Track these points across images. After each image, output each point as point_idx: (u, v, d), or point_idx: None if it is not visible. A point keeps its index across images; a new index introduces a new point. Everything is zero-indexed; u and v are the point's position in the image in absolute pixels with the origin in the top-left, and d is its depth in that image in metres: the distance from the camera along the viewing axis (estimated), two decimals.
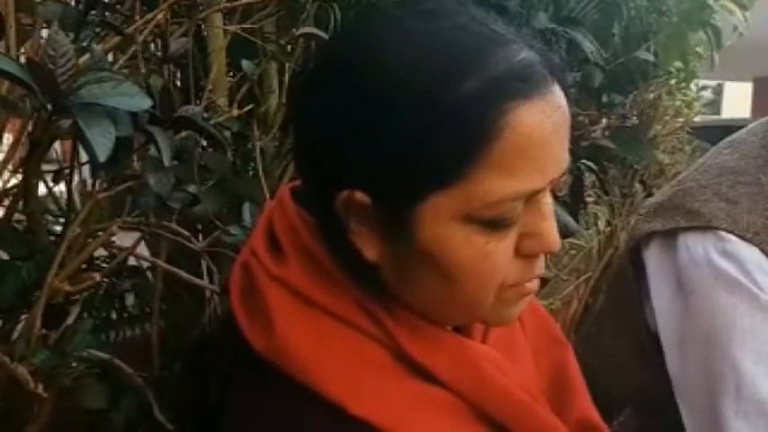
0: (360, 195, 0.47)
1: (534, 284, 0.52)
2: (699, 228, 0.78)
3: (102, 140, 0.48)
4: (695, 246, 0.78)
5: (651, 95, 2.36)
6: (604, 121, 2.11)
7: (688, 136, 2.89)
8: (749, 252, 0.75)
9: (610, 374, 0.91)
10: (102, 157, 0.48)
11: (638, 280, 0.85)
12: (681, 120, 2.76)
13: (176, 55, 0.72)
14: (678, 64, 2.55)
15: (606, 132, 2.19)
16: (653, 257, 0.83)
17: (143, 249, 0.95)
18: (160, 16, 0.76)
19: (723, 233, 0.76)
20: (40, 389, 0.56)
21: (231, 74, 1.10)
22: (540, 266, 0.51)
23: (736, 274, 0.75)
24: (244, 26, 0.98)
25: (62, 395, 0.76)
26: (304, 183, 0.53)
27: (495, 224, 0.46)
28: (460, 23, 0.47)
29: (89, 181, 0.73)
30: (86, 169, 0.90)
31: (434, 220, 0.46)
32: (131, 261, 1.02)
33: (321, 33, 0.87)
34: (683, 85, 2.54)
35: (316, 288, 0.50)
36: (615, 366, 0.92)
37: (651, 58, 2.29)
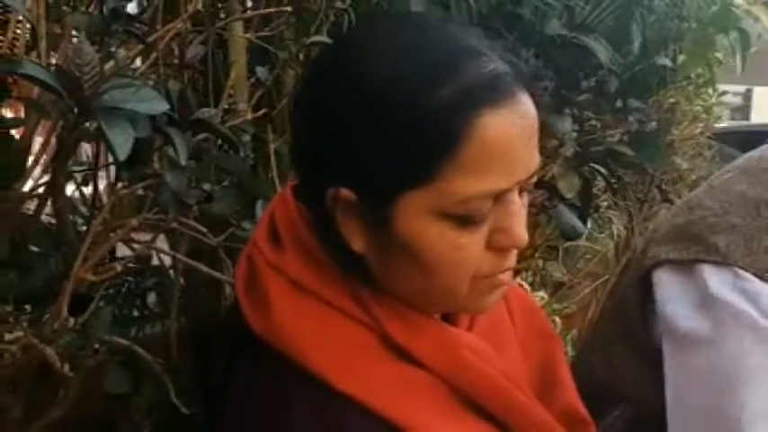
0: (345, 192, 0.52)
1: (507, 276, 0.56)
2: (716, 263, 0.77)
3: (122, 141, 0.53)
4: (711, 278, 0.77)
5: (670, 101, 2.36)
6: (621, 126, 2.12)
7: (709, 141, 2.87)
8: (766, 290, 0.74)
9: (608, 375, 0.93)
10: (122, 156, 0.53)
11: (643, 299, 0.85)
12: (701, 125, 2.74)
13: (193, 61, 0.77)
14: (698, 69, 2.54)
15: (625, 138, 2.20)
16: (667, 284, 0.81)
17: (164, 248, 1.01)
18: (180, 25, 0.81)
19: (740, 270, 0.76)
20: (66, 369, 0.61)
21: (248, 78, 1.16)
22: (511, 260, 0.55)
23: (756, 314, 0.74)
24: (261, 34, 1.04)
25: (87, 380, 0.82)
26: (300, 180, 0.58)
27: (466, 219, 0.51)
28: (436, 37, 0.51)
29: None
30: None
31: (411, 215, 0.51)
32: (153, 261, 1.08)
33: (329, 42, 0.91)
34: (702, 90, 2.54)
35: (309, 276, 0.55)
36: (612, 369, 0.94)
37: (669, 63, 2.29)
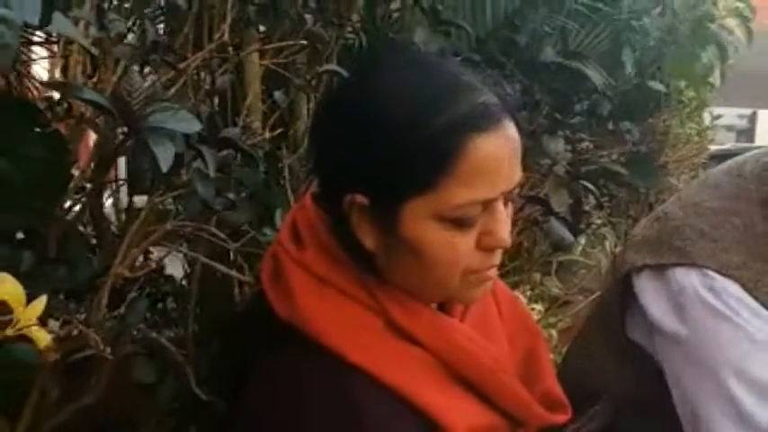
0: (360, 198, 0.62)
1: (493, 272, 0.66)
2: (688, 265, 0.86)
3: (165, 155, 0.63)
4: (683, 279, 0.86)
5: (663, 124, 2.46)
6: (615, 147, 2.22)
7: (704, 162, 2.97)
8: (732, 287, 0.83)
9: (589, 374, 1.01)
10: (165, 167, 0.63)
11: (623, 301, 0.94)
12: (696, 147, 2.84)
13: (222, 87, 0.87)
14: (691, 93, 2.64)
15: (622, 158, 2.30)
16: (645, 287, 0.90)
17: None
18: (206, 54, 0.92)
19: (707, 270, 0.85)
20: (107, 351, 0.71)
21: (264, 101, 1.26)
22: (496, 258, 0.65)
23: (723, 308, 0.83)
24: (276, 61, 1.15)
25: (114, 372, 0.91)
26: (320, 188, 0.68)
27: (459, 222, 0.61)
28: (437, 73, 0.63)
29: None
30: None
31: (414, 218, 0.61)
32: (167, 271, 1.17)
33: (340, 70, 1.02)
34: (696, 113, 2.64)
35: (327, 269, 0.65)
36: (595, 368, 1.02)
37: (663, 88, 2.39)
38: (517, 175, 0.63)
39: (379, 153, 0.60)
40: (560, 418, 0.73)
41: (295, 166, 1.21)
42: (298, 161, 1.23)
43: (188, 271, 1.17)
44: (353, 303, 0.65)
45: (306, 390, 0.61)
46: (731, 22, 2.53)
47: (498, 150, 0.60)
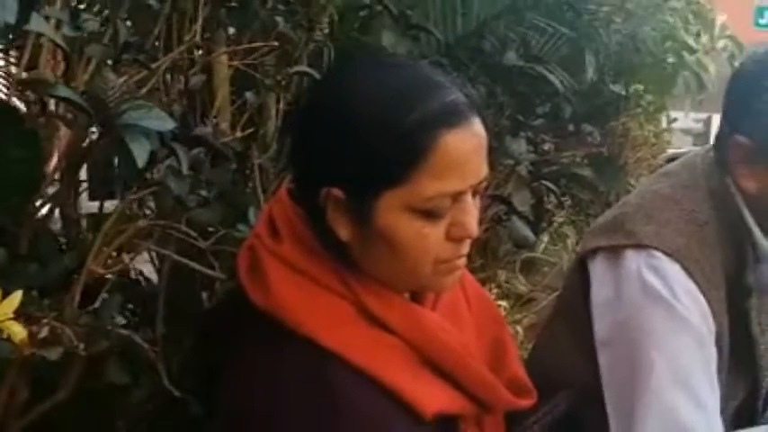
0: (336, 191, 0.65)
1: (462, 262, 0.69)
2: (634, 246, 0.93)
3: (141, 152, 0.65)
4: (631, 261, 0.92)
5: (622, 126, 2.54)
6: (577, 149, 2.29)
7: (662, 164, 3.06)
8: (672, 268, 0.90)
9: (555, 364, 1.05)
10: (141, 164, 0.64)
11: (583, 287, 1.00)
12: (654, 149, 2.94)
13: (195, 87, 0.89)
14: (649, 97, 2.74)
15: (584, 160, 2.37)
16: (597, 269, 0.97)
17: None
18: (177, 55, 0.94)
19: (653, 251, 0.91)
20: (81, 347, 0.72)
21: (234, 102, 1.28)
22: (465, 248, 0.68)
23: (660, 286, 0.89)
24: (246, 62, 1.16)
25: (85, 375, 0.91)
26: (297, 183, 0.71)
27: (430, 214, 0.64)
28: (408, 73, 0.67)
29: None
30: None
31: (387, 210, 0.64)
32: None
33: (311, 71, 1.04)
34: (654, 117, 2.74)
35: (302, 260, 0.68)
36: (560, 358, 1.06)
37: (622, 91, 2.48)
38: (484, 169, 0.66)
39: (355, 149, 0.63)
40: (526, 402, 0.77)
41: (265, 165, 1.23)
42: (268, 161, 1.25)
43: (157, 270, 1.17)
44: (328, 292, 0.67)
45: (283, 376, 0.63)
46: (707, 60, 2.67)
47: (467, 145, 0.64)
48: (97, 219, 0.91)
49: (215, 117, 1.15)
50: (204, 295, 1.16)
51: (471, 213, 0.66)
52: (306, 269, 0.67)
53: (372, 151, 0.62)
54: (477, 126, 0.65)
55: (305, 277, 0.67)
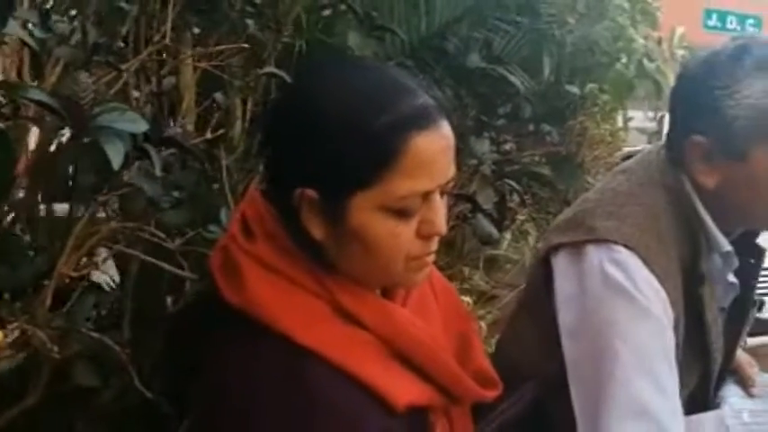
0: (309, 192, 0.67)
1: (431, 258, 0.72)
2: (595, 241, 0.97)
3: (116, 154, 0.65)
4: (593, 256, 0.96)
5: (579, 126, 2.62)
6: (537, 148, 2.35)
7: (618, 162, 3.17)
8: (632, 260, 0.94)
9: (520, 357, 1.09)
10: (117, 165, 0.65)
11: (546, 282, 1.04)
12: (610, 147, 3.03)
13: (166, 89, 0.89)
14: (605, 97, 2.83)
15: (543, 159, 2.43)
16: (560, 264, 1.01)
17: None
18: (145, 57, 0.94)
19: (613, 245, 0.95)
20: (55, 349, 0.72)
21: (200, 103, 1.28)
22: (434, 245, 0.71)
23: (621, 278, 0.93)
24: (213, 63, 1.16)
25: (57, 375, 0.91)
26: (270, 184, 0.72)
27: (402, 213, 0.67)
28: (379, 76, 0.69)
29: None
30: None
31: (361, 209, 0.66)
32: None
33: (280, 73, 1.05)
34: (610, 116, 2.83)
35: (277, 260, 0.69)
36: (525, 351, 1.10)
37: (578, 92, 2.55)
38: (452, 169, 0.69)
39: (328, 151, 0.65)
40: (492, 393, 0.80)
41: (232, 166, 1.23)
42: (235, 162, 1.25)
43: (120, 273, 1.17)
44: (303, 291, 0.69)
45: (259, 372, 0.65)
46: (667, 67, 2.79)
47: (436, 147, 0.66)
48: (66, 222, 0.91)
49: (183, 118, 1.15)
50: (171, 299, 1.17)
51: (440, 212, 0.69)
52: (280, 268, 0.69)
53: (346, 153, 0.65)
54: (445, 128, 0.68)
55: (279, 276, 0.69)
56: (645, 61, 2.76)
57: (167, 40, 0.92)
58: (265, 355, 0.66)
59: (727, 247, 0.98)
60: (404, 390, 0.69)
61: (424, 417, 0.74)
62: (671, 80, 3.01)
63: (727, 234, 0.99)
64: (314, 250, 0.70)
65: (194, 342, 0.74)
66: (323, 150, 0.65)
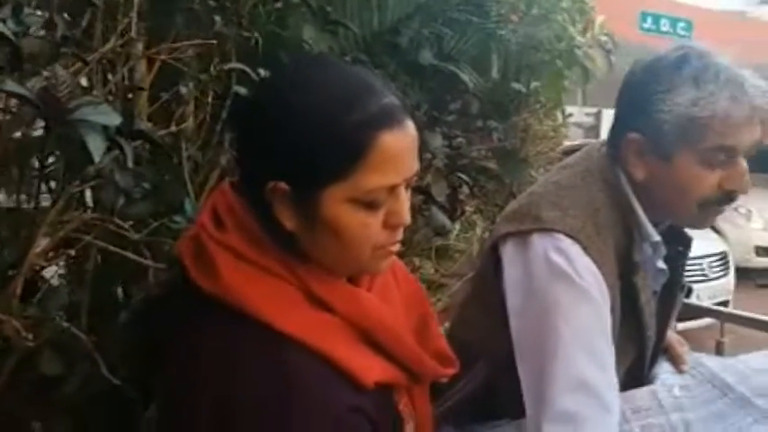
0: (282, 185, 0.71)
1: (396, 246, 0.77)
2: (540, 230, 1.05)
3: (97, 146, 0.67)
4: (538, 244, 1.04)
5: (523, 122, 2.72)
6: (485, 143, 2.43)
7: (559, 156, 3.30)
8: (573, 248, 1.02)
9: (472, 340, 1.16)
10: (98, 157, 0.67)
11: (495, 268, 1.11)
12: (552, 142, 3.16)
13: (139, 83, 0.91)
14: (547, 94, 2.94)
15: (489, 153, 2.52)
16: (507, 251, 1.09)
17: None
18: (111, 48, 0.95)
19: (556, 234, 1.03)
20: (30, 337, 0.73)
21: (160, 96, 1.28)
22: (399, 234, 0.77)
23: (564, 265, 1.01)
24: (173, 56, 1.17)
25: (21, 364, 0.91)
26: (243, 177, 0.75)
27: (370, 205, 0.72)
28: (348, 77, 0.74)
29: None
30: None
31: (332, 202, 0.71)
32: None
33: (246, 69, 1.08)
34: (552, 113, 2.95)
35: (249, 250, 0.73)
36: (476, 334, 1.17)
37: (523, 89, 2.65)
38: (416, 164, 0.75)
39: (302, 147, 0.69)
40: (449, 371, 0.87)
41: (194, 156, 1.25)
42: (196, 153, 1.27)
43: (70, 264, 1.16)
44: (275, 279, 0.73)
45: (238, 357, 0.69)
46: (595, 53, 2.90)
47: (402, 144, 0.72)
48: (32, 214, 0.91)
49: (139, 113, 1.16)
50: (132, 289, 1.18)
51: (405, 203, 0.75)
52: (252, 257, 0.73)
53: (319, 149, 0.69)
54: (409, 127, 0.74)
55: (252, 265, 0.72)
56: (575, 50, 2.89)
57: (133, 33, 0.93)
58: (243, 342, 0.69)
59: (656, 237, 1.08)
60: (372, 369, 0.74)
61: (389, 394, 0.80)
62: (598, 64, 3.16)
63: (656, 225, 1.09)
64: (284, 240, 0.74)
65: (164, 329, 0.77)
66: (297, 147, 0.70)
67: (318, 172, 0.70)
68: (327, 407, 0.69)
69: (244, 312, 0.70)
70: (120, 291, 1.18)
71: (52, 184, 0.88)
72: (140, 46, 1.11)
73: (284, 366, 0.69)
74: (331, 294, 0.74)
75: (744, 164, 1.02)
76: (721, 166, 1.02)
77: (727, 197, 1.05)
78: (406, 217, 0.75)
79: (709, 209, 1.07)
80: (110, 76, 0.98)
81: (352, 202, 0.71)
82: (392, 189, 0.73)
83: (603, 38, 3.28)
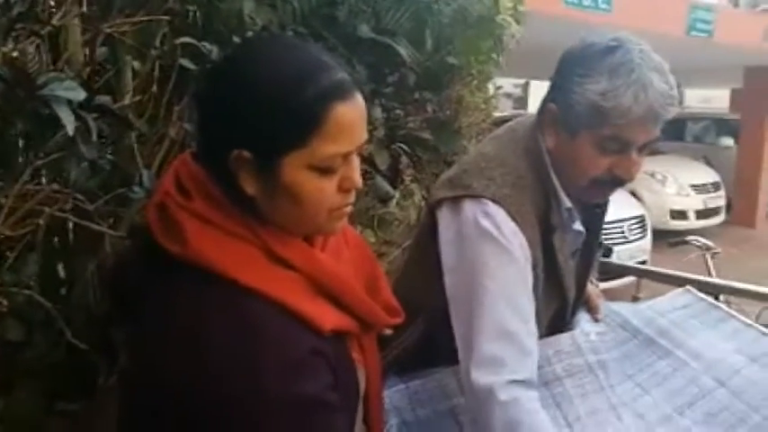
0: (245, 153, 0.78)
1: (349, 209, 0.86)
2: (471, 196, 1.16)
3: (69, 119, 0.72)
4: (468, 209, 1.15)
5: (456, 94, 2.83)
6: (420, 114, 2.52)
7: (490, 126, 3.44)
8: (499, 212, 1.14)
9: (413, 297, 1.26)
10: (71, 131, 0.72)
11: (432, 230, 1.22)
12: (483, 113, 3.28)
13: (100, 59, 0.94)
14: (479, 67, 3.05)
15: (424, 124, 2.61)
16: (443, 215, 1.20)
17: None
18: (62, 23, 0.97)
19: (485, 200, 1.14)
20: (5, 303, 0.78)
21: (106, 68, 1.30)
22: (351, 197, 0.85)
23: (491, 228, 1.13)
24: (119, 30, 1.20)
25: None
26: (205, 146, 0.82)
27: (326, 171, 0.80)
28: (302, 53, 0.81)
29: None
30: None
31: (291, 168, 0.79)
32: None
33: (198, 44, 1.12)
34: (483, 85, 3.07)
35: (213, 214, 0.80)
36: (417, 292, 1.28)
37: (456, 62, 2.75)
38: (365, 133, 0.83)
39: (264, 119, 0.76)
40: (397, 319, 0.97)
41: (144, 129, 1.28)
42: (145, 125, 1.30)
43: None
44: (239, 240, 0.80)
45: (206, 312, 0.76)
46: (510, 19, 3.02)
47: (354, 114, 0.80)
48: None
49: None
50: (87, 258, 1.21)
51: (357, 169, 0.83)
52: (217, 221, 0.80)
53: (280, 120, 0.76)
54: (359, 99, 0.82)
55: (216, 228, 0.79)
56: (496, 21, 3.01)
57: (83, 8, 0.96)
58: (213, 298, 0.76)
59: (567, 204, 1.21)
60: (328, 317, 0.83)
61: (343, 342, 0.89)
62: (513, 29, 3.31)
63: (569, 194, 1.22)
64: (246, 205, 0.81)
65: (134, 289, 0.83)
66: (259, 118, 0.77)
67: (280, 141, 0.77)
68: (289, 348, 0.77)
69: (211, 272, 0.77)
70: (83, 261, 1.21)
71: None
72: (77, 21, 1.13)
73: (249, 315, 0.76)
74: (290, 252, 0.82)
75: (635, 156, 1.13)
76: (614, 154, 1.12)
77: (616, 180, 1.16)
78: (359, 181, 0.83)
79: (600, 187, 1.18)
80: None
81: (310, 168, 0.78)
82: (346, 156, 0.81)
83: (510, 3, 3.40)
